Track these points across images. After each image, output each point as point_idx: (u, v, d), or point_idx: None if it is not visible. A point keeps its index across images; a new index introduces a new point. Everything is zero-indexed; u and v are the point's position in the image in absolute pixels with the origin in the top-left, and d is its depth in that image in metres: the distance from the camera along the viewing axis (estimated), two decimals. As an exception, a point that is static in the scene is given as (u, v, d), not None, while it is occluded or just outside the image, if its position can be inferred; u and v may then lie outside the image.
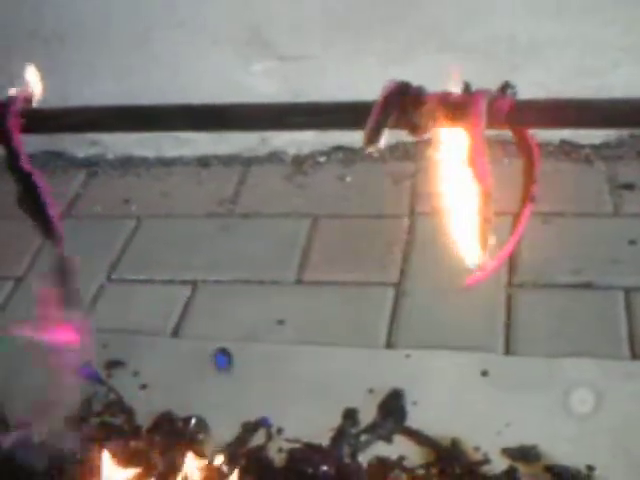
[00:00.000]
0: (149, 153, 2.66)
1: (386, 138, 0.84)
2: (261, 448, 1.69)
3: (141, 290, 2.19)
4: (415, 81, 0.85)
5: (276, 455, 1.68)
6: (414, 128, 0.84)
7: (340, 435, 1.68)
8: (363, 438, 1.68)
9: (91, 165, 2.68)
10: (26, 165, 0.93)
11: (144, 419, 1.79)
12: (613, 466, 1.56)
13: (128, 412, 1.81)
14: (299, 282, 2.14)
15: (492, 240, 0.85)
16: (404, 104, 0.83)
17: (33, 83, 0.93)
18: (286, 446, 1.68)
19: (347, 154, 2.52)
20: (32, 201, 0.94)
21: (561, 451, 1.60)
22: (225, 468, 1.60)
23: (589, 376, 1.73)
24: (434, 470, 1.60)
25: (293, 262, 2.19)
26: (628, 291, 1.93)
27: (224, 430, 1.73)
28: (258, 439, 1.71)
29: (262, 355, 1.92)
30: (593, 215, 2.17)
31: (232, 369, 1.90)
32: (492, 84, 0.84)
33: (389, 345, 1.91)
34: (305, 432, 1.69)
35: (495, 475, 1.57)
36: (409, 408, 1.73)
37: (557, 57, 2.27)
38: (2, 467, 1.71)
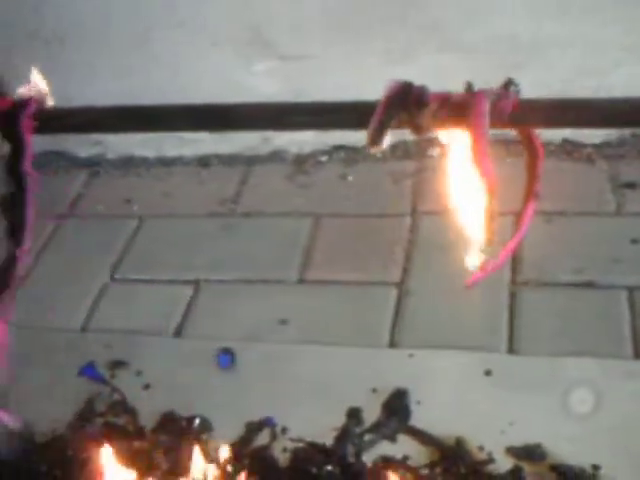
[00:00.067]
0: (150, 153, 2.66)
1: (389, 138, 0.84)
2: (265, 448, 1.69)
3: (143, 290, 2.19)
4: (416, 81, 0.85)
5: (280, 455, 1.68)
6: (417, 128, 0.84)
7: (344, 435, 1.68)
8: (367, 438, 1.68)
9: (93, 165, 2.68)
10: (28, 168, 0.92)
11: (147, 419, 1.79)
12: (617, 465, 1.56)
13: (131, 412, 1.81)
14: (301, 282, 2.14)
15: (496, 239, 0.85)
16: (407, 104, 0.83)
17: (43, 85, 0.93)
18: (290, 446, 1.69)
19: (349, 153, 2.52)
20: (17, 204, 0.93)
21: (565, 450, 1.60)
22: (230, 468, 1.60)
23: (592, 375, 1.73)
24: (438, 469, 1.60)
25: (295, 262, 2.19)
26: (631, 290, 1.93)
27: (228, 430, 1.73)
28: (262, 439, 1.72)
29: (265, 355, 1.92)
30: (595, 214, 2.17)
31: (235, 369, 1.90)
32: (493, 84, 0.84)
33: (392, 345, 1.91)
34: (309, 432, 1.69)
35: (500, 474, 1.57)
36: (413, 407, 1.73)
37: (558, 57, 2.27)
38: (3, 468, 1.71)
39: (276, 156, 2.58)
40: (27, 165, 0.92)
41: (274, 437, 1.71)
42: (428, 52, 2.28)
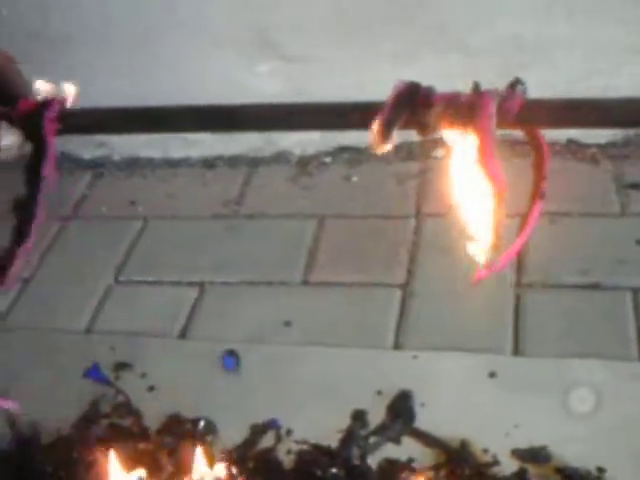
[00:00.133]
0: (155, 154, 2.66)
1: (395, 139, 0.84)
2: (270, 450, 1.69)
3: (148, 292, 2.19)
4: (422, 82, 0.85)
5: (285, 457, 1.68)
6: (423, 128, 0.84)
7: (349, 437, 1.68)
8: (372, 440, 1.68)
9: (97, 166, 2.68)
10: (50, 169, 0.92)
11: (152, 421, 1.79)
12: (622, 467, 1.56)
13: (136, 414, 1.81)
14: (305, 283, 2.14)
15: (502, 244, 0.85)
16: (414, 104, 0.83)
17: (68, 87, 0.92)
18: (295, 448, 1.69)
19: (353, 154, 2.52)
20: (29, 205, 0.93)
21: (570, 452, 1.59)
22: (234, 470, 1.60)
23: (597, 377, 1.73)
24: (443, 472, 1.60)
25: (299, 263, 2.19)
26: (636, 291, 1.92)
27: (233, 432, 1.73)
28: (267, 441, 1.71)
29: (269, 356, 1.92)
30: (600, 215, 2.17)
31: (240, 371, 1.90)
32: (499, 85, 0.84)
33: (397, 346, 1.91)
34: (314, 434, 1.69)
35: (505, 477, 1.57)
36: (417, 409, 1.73)
37: (564, 57, 2.26)
38: (6, 468, 1.72)
39: (280, 157, 2.58)
40: (48, 166, 0.91)
41: (279, 439, 1.71)
42: (433, 53, 2.28)
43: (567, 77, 2.23)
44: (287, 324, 2.01)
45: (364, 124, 0.84)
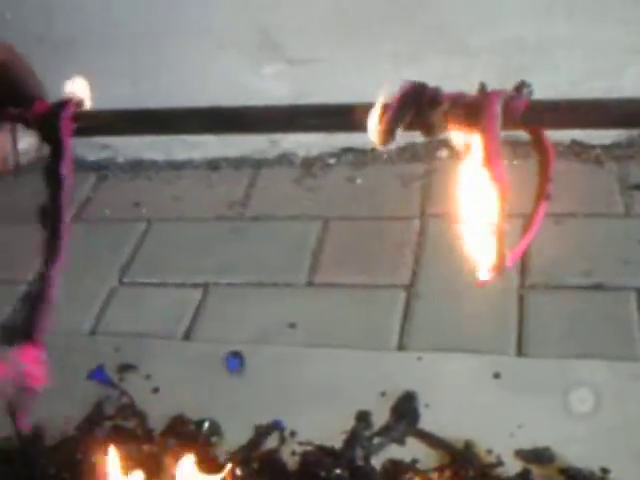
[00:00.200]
0: (159, 156, 2.66)
1: (397, 140, 0.84)
2: (274, 451, 1.69)
3: (152, 293, 2.19)
4: (425, 82, 0.85)
5: (289, 458, 1.68)
6: (429, 129, 0.84)
7: (353, 438, 1.68)
8: (376, 441, 1.68)
9: (101, 168, 2.68)
10: (67, 170, 0.92)
11: (156, 423, 1.79)
12: (626, 468, 1.56)
13: (140, 416, 1.81)
14: (310, 285, 2.14)
15: (506, 241, 0.85)
16: (420, 105, 0.83)
17: (83, 87, 0.93)
18: (299, 449, 1.69)
19: (357, 156, 2.52)
20: (54, 209, 0.93)
21: (574, 453, 1.59)
22: (238, 471, 1.61)
23: (601, 378, 1.73)
24: (447, 473, 1.60)
25: (304, 265, 2.19)
26: (640, 292, 1.93)
27: (237, 433, 1.73)
28: (271, 442, 1.72)
29: (274, 358, 1.92)
30: (604, 216, 2.17)
31: (244, 372, 1.90)
32: (501, 84, 0.84)
33: (401, 347, 1.91)
34: (318, 435, 1.69)
35: (509, 477, 1.57)
36: (422, 410, 1.73)
37: (566, 58, 2.26)
38: (11, 469, 1.72)
39: (284, 159, 2.58)
40: (66, 168, 0.91)
41: (283, 440, 1.71)
42: (435, 54, 2.28)
43: (568, 77, 2.23)
44: (292, 325, 2.01)
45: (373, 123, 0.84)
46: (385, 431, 1.69)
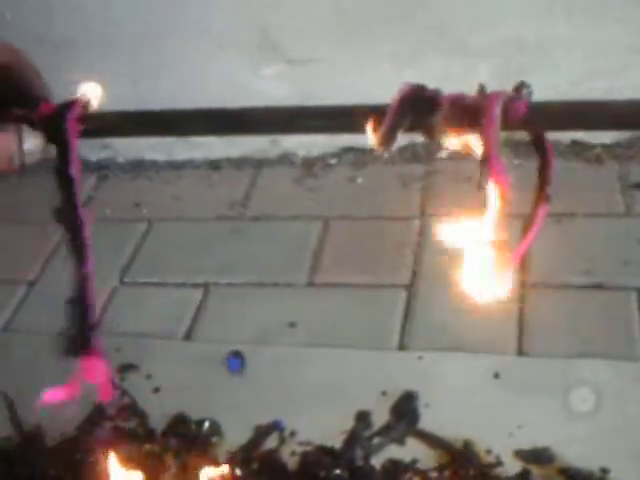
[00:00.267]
0: (160, 156, 2.67)
1: (398, 140, 0.84)
2: (274, 451, 1.69)
3: (153, 293, 2.19)
4: (423, 82, 0.85)
5: (289, 458, 1.68)
6: (429, 132, 0.84)
7: (353, 438, 1.68)
8: (376, 441, 1.68)
9: (102, 168, 2.68)
10: (75, 171, 0.92)
11: (157, 422, 1.79)
12: (626, 468, 1.56)
13: (141, 415, 1.81)
14: (310, 284, 2.14)
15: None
16: (420, 107, 0.83)
17: (92, 89, 0.93)
18: (299, 449, 1.69)
19: (357, 156, 2.52)
20: (69, 210, 0.93)
21: (574, 453, 1.59)
22: (238, 471, 1.61)
23: (601, 377, 1.73)
24: (447, 472, 1.60)
25: (304, 264, 2.19)
26: (641, 291, 1.93)
27: (237, 433, 1.73)
28: (271, 442, 1.72)
29: (274, 358, 1.92)
30: (604, 215, 2.17)
31: (245, 372, 1.90)
32: (501, 85, 0.84)
33: (401, 347, 1.91)
34: (318, 435, 1.69)
35: (508, 477, 1.57)
36: (422, 410, 1.73)
37: (566, 58, 2.26)
38: (6, 468, 1.72)
39: (285, 159, 2.59)
40: (74, 169, 0.92)
41: (283, 440, 1.71)
42: (435, 54, 2.28)
43: (568, 77, 2.23)
44: (292, 325, 2.01)
45: (372, 127, 0.84)
46: (385, 431, 1.69)
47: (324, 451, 1.66)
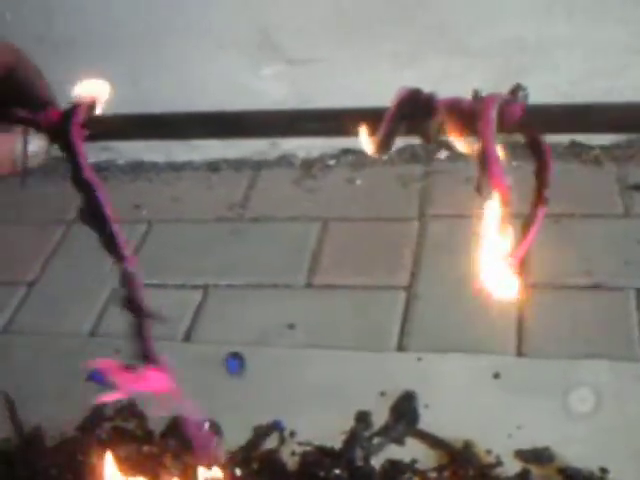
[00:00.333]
0: (159, 158, 2.67)
1: (396, 142, 0.84)
2: (274, 452, 1.69)
3: (152, 295, 2.17)
4: (424, 84, 0.85)
5: (289, 459, 1.68)
6: (425, 136, 0.84)
7: (352, 438, 1.68)
8: (375, 441, 1.68)
9: (101, 170, 2.68)
10: (90, 176, 0.92)
11: (156, 424, 1.79)
12: (626, 468, 1.56)
13: (140, 416, 1.81)
14: (309, 286, 2.14)
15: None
16: (415, 112, 0.83)
17: (98, 90, 0.92)
18: (299, 449, 1.69)
19: (356, 157, 2.52)
20: (94, 214, 0.93)
21: (573, 453, 1.59)
22: (238, 471, 1.61)
23: (601, 378, 1.73)
24: (446, 473, 1.60)
25: (303, 266, 2.19)
26: (640, 292, 1.93)
27: (237, 434, 1.73)
28: (271, 443, 1.72)
29: (273, 359, 1.92)
30: (603, 216, 2.17)
31: (244, 373, 1.90)
32: (501, 85, 0.84)
33: (400, 348, 1.91)
34: (317, 435, 1.69)
35: (508, 477, 1.57)
36: (421, 411, 1.73)
37: (566, 58, 2.26)
38: (6, 470, 1.72)
39: (284, 160, 2.59)
40: (87, 172, 0.91)
41: (282, 441, 1.72)
42: (435, 55, 2.28)
43: (568, 77, 2.23)
44: (291, 327, 2.02)
45: (369, 132, 0.84)
46: (384, 431, 1.69)
47: (324, 451, 1.66)
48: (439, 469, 1.61)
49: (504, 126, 0.81)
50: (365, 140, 0.83)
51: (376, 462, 1.64)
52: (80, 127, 0.89)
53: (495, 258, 0.83)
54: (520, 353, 1.84)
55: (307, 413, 1.76)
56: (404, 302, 2.02)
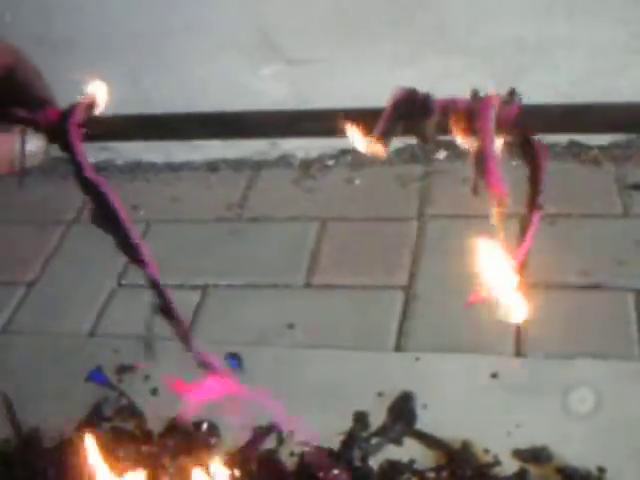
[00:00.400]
0: (158, 158, 2.67)
1: (395, 142, 0.84)
2: (272, 452, 1.69)
3: (151, 295, 2.19)
4: (423, 84, 0.86)
5: (287, 459, 1.68)
6: (422, 137, 0.84)
7: (351, 438, 1.68)
8: (373, 441, 1.68)
9: (100, 170, 2.67)
10: (91, 174, 0.92)
11: (155, 424, 1.79)
12: (624, 467, 1.56)
13: (139, 417, 1.82)
14: (308, 286, 2.14)
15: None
16: (412, 112, 0.83)
17: (97, 90, 0.92)
18: (297, 450, 1.69)
19: (355, 157, 2.52)
20: (104, 214, 0.92)
21: (571, 452, 1.60)
22: (237, 472, 1.61)
23: (599, 377, 1.73)
24: (445, 473, 1.60)
25: (302, 266, 2.19)
26: (638, 292, 1.92)
27: (236, 434, 1.73)
28: (269, 443, 1.72)
29: (272, 359, 1.92)
30: (602, 216, 2.17)
31: (242, 373, 1.90)
32: (500, 85, 0.84)
33: (399, 348, 1.91)
34: (316, 436, 1.69)
35: (506, 477, 1.57)
36: (419, 411, 1.73)
37: (566, 58, 2.26)
38: (5, 470, 1.72)
39: (283, 160, 2.59)
40: (89, 171, 0.91)
41: (281, 441, 1.72)
42: (435, 54, 2.29)
43: (568, 77, 2.23)
44: (290, 327, 2.02)
45: (365, 132, 0.84)
46: (382, 432, 1.69)
47: (322, 452, 1.66)
48: (437, 469, 1.61)
49: (500, 127, 0.81)
50: (359, 140, 0.83)
51: (374, 462, 1.64)
52: (78, 127, 0.89)
53: (495, 259, 0.83)
54: (518, 353, 1.84)
55: (306, 413, 1.76)
56: (403, 302, 2.02)
